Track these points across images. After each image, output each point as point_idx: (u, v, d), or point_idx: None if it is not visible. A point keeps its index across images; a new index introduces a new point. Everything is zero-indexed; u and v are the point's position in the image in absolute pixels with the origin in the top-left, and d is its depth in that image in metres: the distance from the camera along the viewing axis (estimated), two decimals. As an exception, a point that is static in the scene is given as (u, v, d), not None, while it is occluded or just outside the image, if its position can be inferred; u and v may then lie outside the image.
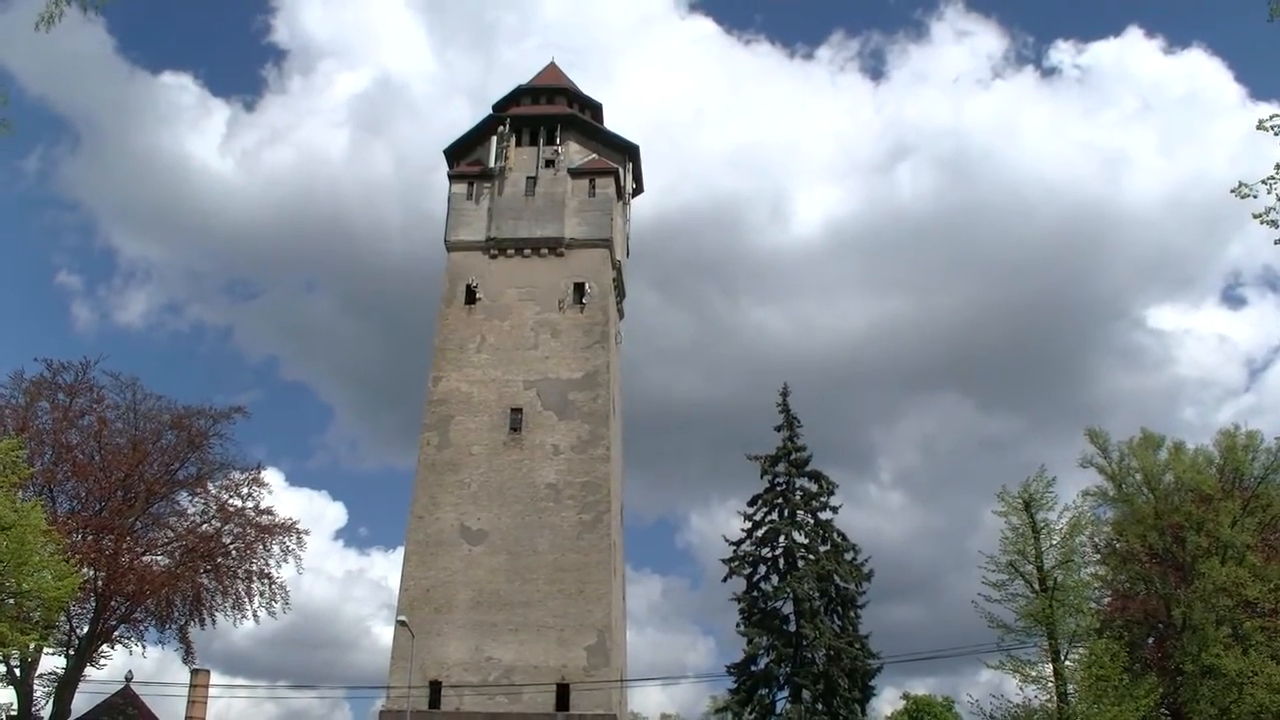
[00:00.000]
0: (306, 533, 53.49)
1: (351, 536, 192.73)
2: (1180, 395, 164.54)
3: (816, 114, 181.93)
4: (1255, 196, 18.44)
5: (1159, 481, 50.45)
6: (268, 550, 52.81)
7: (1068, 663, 36.55)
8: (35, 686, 48.54)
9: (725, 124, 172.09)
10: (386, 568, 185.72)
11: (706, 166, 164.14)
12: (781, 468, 54.35)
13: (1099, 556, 48.99)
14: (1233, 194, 18.60)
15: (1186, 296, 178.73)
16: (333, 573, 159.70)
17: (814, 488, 54.17)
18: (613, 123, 71.30)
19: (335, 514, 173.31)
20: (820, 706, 50.48)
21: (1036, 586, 36.62)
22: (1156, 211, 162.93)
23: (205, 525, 52.78)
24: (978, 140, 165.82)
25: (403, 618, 48.57)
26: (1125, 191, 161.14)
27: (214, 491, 52.94)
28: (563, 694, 54.76)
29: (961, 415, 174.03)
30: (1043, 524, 37.49)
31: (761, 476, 54.41)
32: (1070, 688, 35.91)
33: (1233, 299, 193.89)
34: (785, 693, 52.12)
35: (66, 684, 49.39)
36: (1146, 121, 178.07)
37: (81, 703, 55.95)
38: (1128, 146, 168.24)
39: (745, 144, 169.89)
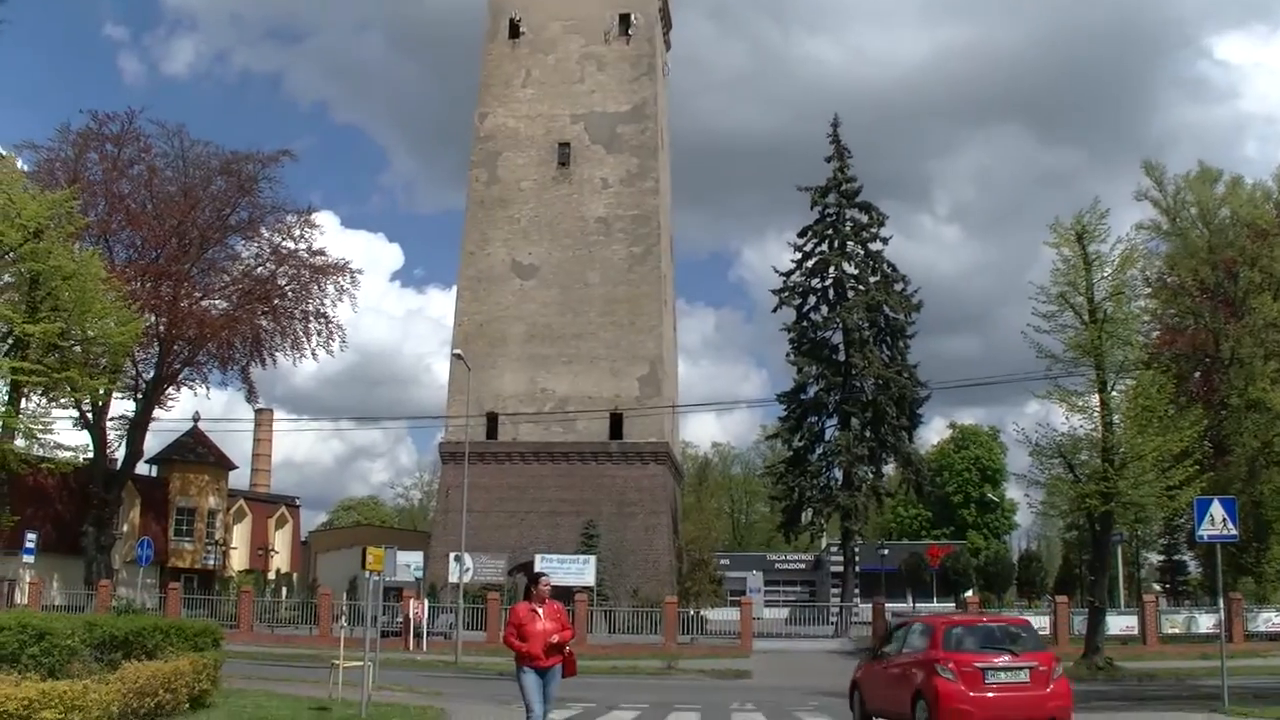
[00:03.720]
0: (360, 272, 53.87)
1: (409, 277, 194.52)
2: (1244, 131, 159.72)
3: None
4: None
5: (1214, 215, 49.39)
6: (322, 290, 53.24)
7: (1114, 394, 36.60)
8: (108, 429, 50.34)
9: None
10: (444, 306, 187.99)
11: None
12: (832, 199, 53.66)
13: (1150, 290, 48.43)
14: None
15: (1258, 27, 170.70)
16: (392, 312, 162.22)
17: (864, 219, 53.65)
18: None
19: (392, 255, 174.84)
20: (868, 434, 51.50)
21: (1086, 318, 36.27)
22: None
23: (260, 269, 53.33)
24: None
25: (458, 351, 49.39)
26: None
27: (267, 235, 53.22)
28: (616, 423, 56.30)
29: (1020, 148, 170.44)
30: (1095, 256, 36.75)
31: (812, 208, 53.81)
32: (1116, 418, 36.10)
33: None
34: (834, 420, 53.12)
35: (137, 425, 51.27)
36: None
37: (154, 443, 58.43)
38: None
39: None
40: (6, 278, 39.71)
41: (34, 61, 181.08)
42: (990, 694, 15.01)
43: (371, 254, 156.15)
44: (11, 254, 37.56)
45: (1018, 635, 16.49)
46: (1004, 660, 15.44)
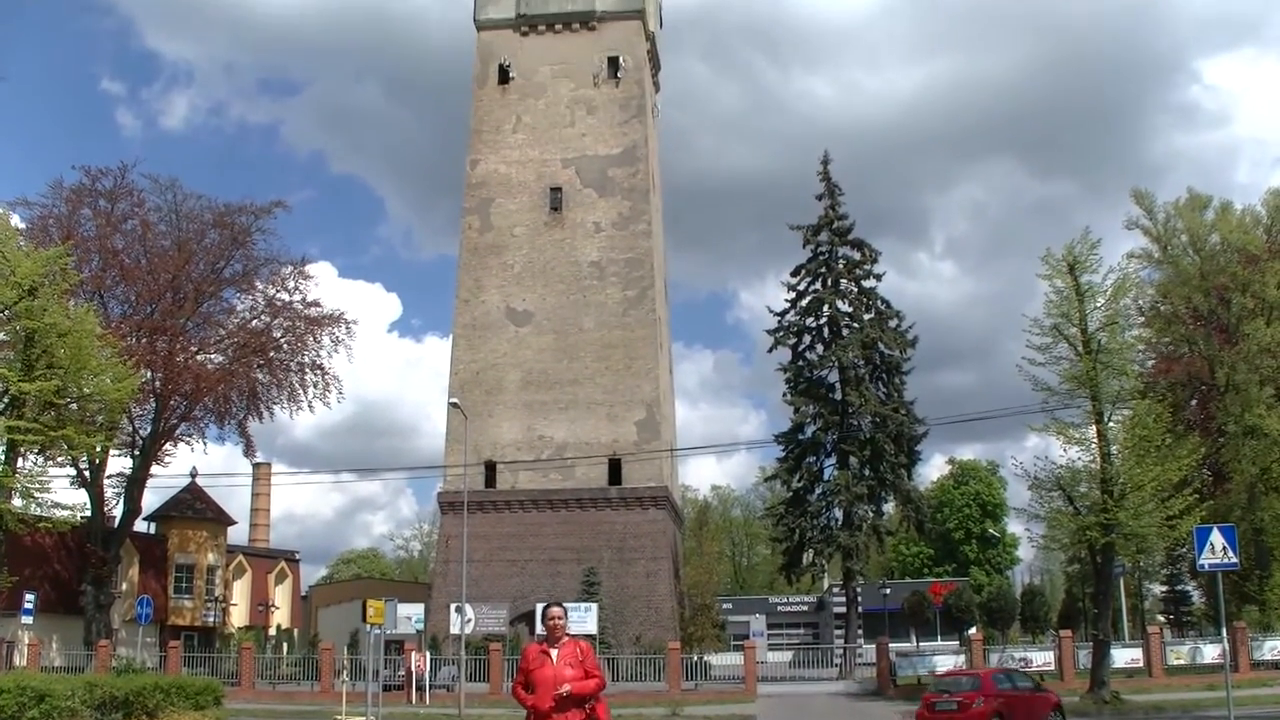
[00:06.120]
0: (354, 322, 53.90)
1: (407, 326, 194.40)
2: (1237, 155, 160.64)
3: None
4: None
5: (1205, 242, 49.62)
6: (318, 342, 53.27)
7: (1111, 424, 36.60)
8: (105, 487, 50.25)
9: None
10: (443, 355, 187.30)
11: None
12: (824, 237, 53.62)
13: (1143, 319, 48.68)
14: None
15: (1247, 50, 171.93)
16: (390, 363, 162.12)
17: (856, 256, 53.61)
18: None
19: (390, 305, 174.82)
20: (867, 472, 51.27)
21: (1080, 349, 36.29)
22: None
23: (255, 321, 53.33)
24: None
25: (454, 400, 49.29)
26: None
27: (261, 287, 53.32)
28: (614, 468, 56.14)
29: (1013, 180, 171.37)
30: (1087, 287, 36.82)
31: (804, 246, 53.80)
32: (1113, 449, 36.08)
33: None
34: (833, 460, 52.79)
35: (135, 482, 51.10)
36: None
37: (152, 500, 58.12)
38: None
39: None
40: (1, 336, 39.66)
41: (33, 118, 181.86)
42: (934, 714, 26.97)
43: (369, 304, 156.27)
44: (6, 312, 37.58)
45: (958, 682, 28.58)
46: (944, 698, 27.17)
